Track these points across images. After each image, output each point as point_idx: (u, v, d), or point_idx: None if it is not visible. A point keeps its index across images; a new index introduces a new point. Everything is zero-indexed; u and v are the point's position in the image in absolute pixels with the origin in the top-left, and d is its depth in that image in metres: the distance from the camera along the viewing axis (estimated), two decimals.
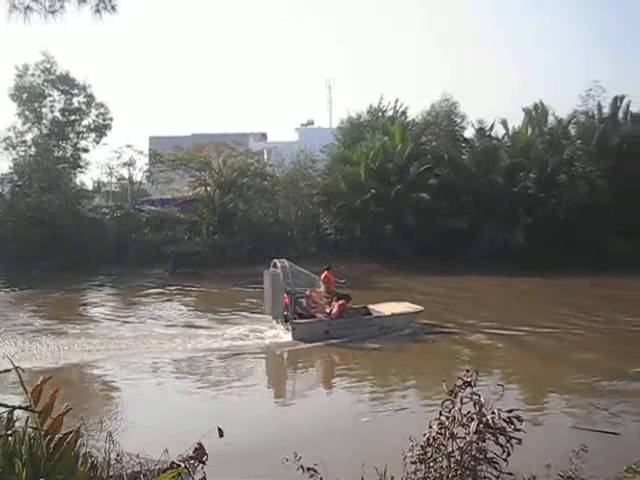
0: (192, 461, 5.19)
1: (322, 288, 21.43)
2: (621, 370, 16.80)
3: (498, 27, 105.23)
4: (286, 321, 20.36)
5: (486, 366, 17.42)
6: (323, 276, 21.57)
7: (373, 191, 37.27)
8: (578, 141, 37.89)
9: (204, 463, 5.29)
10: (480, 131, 40.45)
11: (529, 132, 39.84)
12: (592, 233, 33.83)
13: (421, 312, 21.60)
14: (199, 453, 5.42)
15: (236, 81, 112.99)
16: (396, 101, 43.30)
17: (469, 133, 41.81)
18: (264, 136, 66.53)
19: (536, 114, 40.14)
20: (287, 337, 19.98)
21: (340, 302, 20.73)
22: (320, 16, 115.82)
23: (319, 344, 19.44)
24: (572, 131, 39.60)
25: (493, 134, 40.76)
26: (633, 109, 38.80)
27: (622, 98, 38.74)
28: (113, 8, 8.29)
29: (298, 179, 41.81)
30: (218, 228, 38.81)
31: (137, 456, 6.31)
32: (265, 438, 11.98)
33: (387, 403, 14.89)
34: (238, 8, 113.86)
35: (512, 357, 18.88)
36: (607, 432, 12.57)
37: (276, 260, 21.19)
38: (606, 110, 38.88)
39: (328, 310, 20.80)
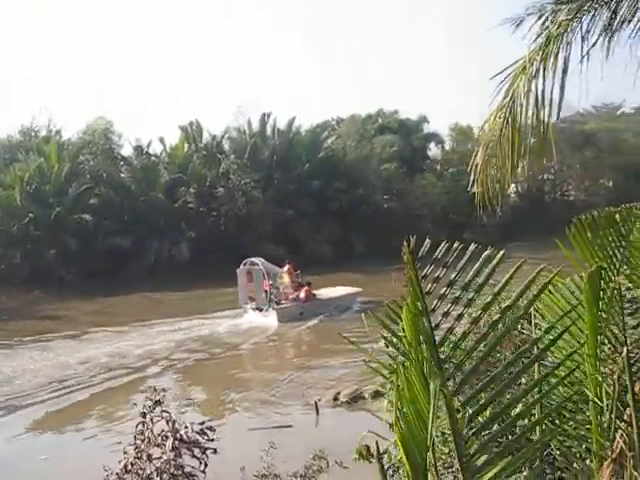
0: None
1: (286, 279, 25.61)
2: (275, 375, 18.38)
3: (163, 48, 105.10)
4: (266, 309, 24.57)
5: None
6: (287, 269, 25.88)
7: (31, 215, 35.49)
8: (232, 155, 40.35)
9: None
10: (138, 149, 40.91)
11: (186, 148, 41.32)
12: (250, 240, 36.14)
13: (361, 292, 26.36)
14: None
15: None
16: (50, 120, 41.87)
17: (127, 151, 42.00)
18: None
19: (192, 131, 41.76)
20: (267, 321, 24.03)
21: (306, 288, 25.13)
22: None
23: None
24: (226, 146, 41.94)
25: (152, 151, 41.55)
26: (279, 125, 42.44)
27: (269, 115, 42.29)
28: None
29: None
30: None
31: None
32: None
33: (72, 437, 14.41)
34: None
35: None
36: (281, 427, 13.83)
37: (253, 259, 25.60)
38: (256, 126, 41.93)
39: (294, 296, 25.11)
